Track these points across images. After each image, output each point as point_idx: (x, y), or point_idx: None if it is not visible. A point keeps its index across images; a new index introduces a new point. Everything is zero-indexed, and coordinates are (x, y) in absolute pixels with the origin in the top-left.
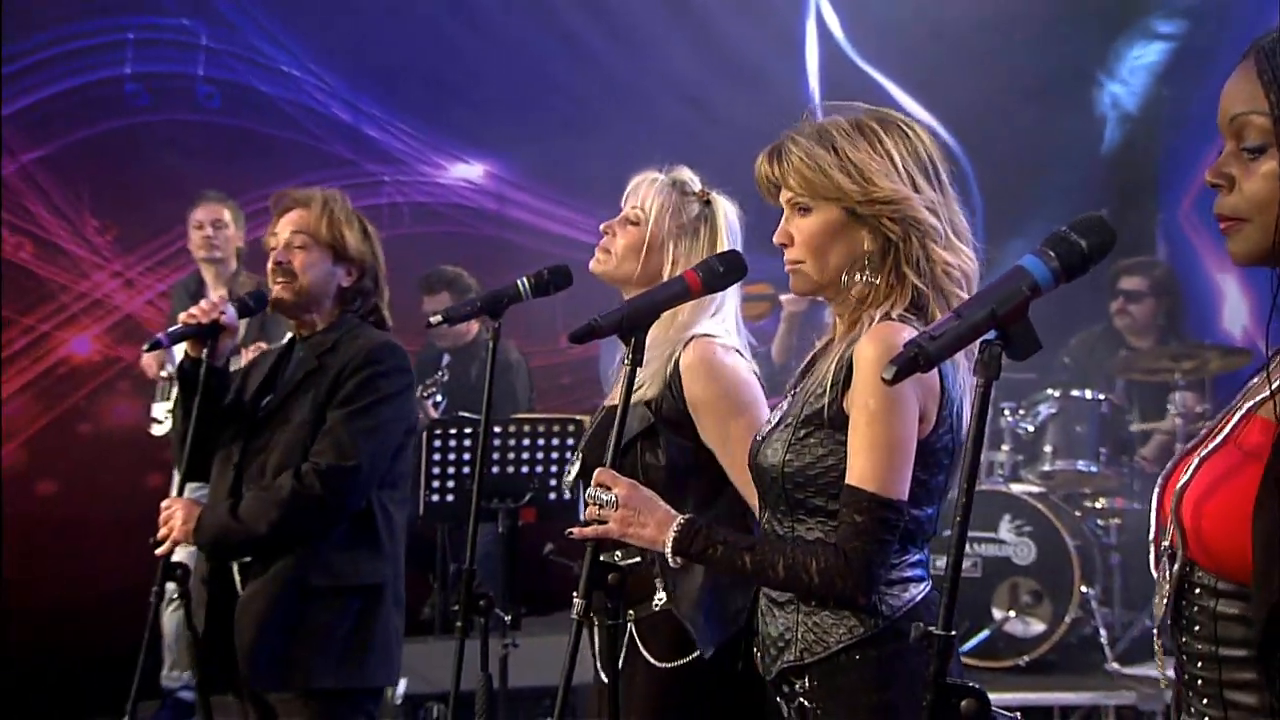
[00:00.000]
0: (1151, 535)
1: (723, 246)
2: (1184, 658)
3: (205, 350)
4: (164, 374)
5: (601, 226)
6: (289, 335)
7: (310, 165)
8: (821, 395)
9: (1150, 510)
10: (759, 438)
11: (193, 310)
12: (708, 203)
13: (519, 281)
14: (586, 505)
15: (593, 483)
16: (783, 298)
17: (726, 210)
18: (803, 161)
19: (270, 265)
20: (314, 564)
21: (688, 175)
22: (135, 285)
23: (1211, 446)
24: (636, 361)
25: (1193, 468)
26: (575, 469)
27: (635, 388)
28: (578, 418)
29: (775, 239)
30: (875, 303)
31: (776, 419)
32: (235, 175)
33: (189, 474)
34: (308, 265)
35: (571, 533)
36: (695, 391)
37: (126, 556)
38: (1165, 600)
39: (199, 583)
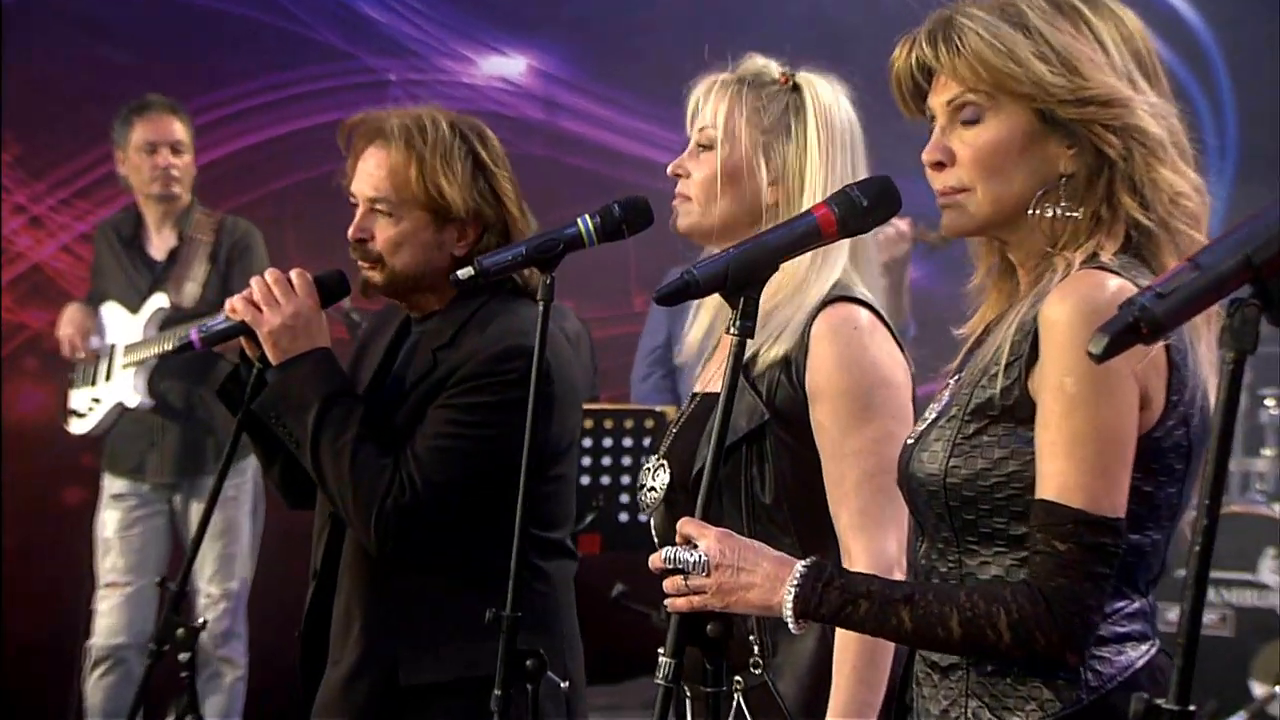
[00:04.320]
0: None
1: (822, 140)
2: None
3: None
4: (87, 349)
5: (670, 168)
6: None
7: (289, 58)
8: (995, 376)
9: None
10: (910, 440)
11: (234, 302)
12: (795, 88)
13: (579, 221)
14: (665, 569)
15: (677, 533)
16: (879, 236)
17: (819, 92)
18: (984, 42)
19: (351, 235)
20: (406, 649)
21: (758, 63)
22: (45, 225)
23: None
24: (746, 330)
25: None
26: (657, 481)
27: (748, 358)
28: (659, 409)
29: (926, 156)
30: (1074, 243)
31: (933, 414)
32: (184, 72)
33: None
34: (397, 241)
35: (662, 614)
36: (820, 377)
37: (34, 600)
38: None
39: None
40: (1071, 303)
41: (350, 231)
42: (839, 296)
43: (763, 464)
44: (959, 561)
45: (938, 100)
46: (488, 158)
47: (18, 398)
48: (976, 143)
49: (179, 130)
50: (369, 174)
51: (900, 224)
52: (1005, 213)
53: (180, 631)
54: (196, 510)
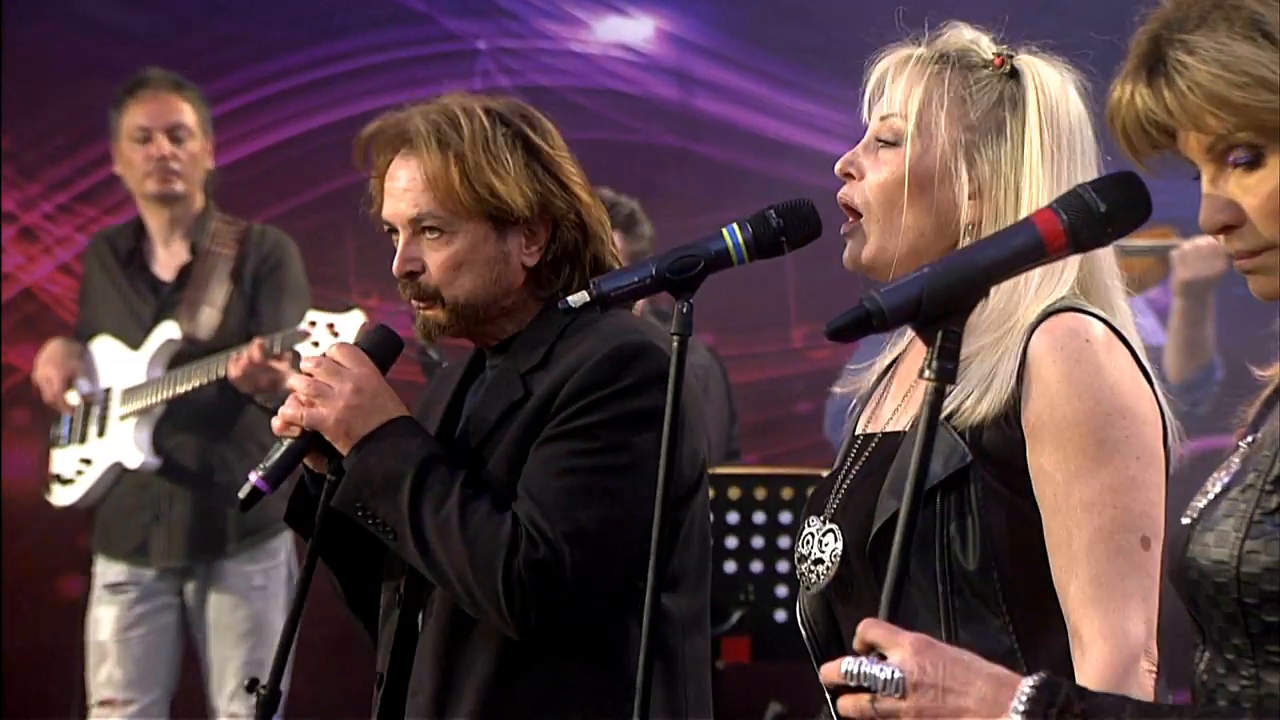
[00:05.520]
0: None
1: (1046, 144)
2: None
3: (335, 465)
4: (76, 396)
5: (839, 164)
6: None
7: (344, 24)
8: None
9: None
10: (1189, 519)
11: (284, 413)
12: (1012, 73)
13: (725, 232)
14: (844, 686)
15: (857, 638)
16: (1178, 250)
17: (1045, 81)
18: (1215, 76)
19: (396, 270)
20: None
21: (965, 37)
22: (38, 237)
23: None
24: (945, 374)
25: None
26: (826, 550)
27: (945, 414)
28: (824, 474)
29: (1205, 221)
30: None
31: (1220, 484)
32: (212, 44)
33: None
34: (455, 263)
35: None
36: (1041, 405)
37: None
38: None
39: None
40: None
41: (395, 266)
42: (1064, 307)
43: (964, 519)
44: (1255, 679)
45: (1191, 148)
46: (540, 140)
47: (6, 459)
48: (1264, 190)
49: (183, 112)
50: (402, 191)
51: (1209, 237)
52: None
53: None
54: (216, 604)
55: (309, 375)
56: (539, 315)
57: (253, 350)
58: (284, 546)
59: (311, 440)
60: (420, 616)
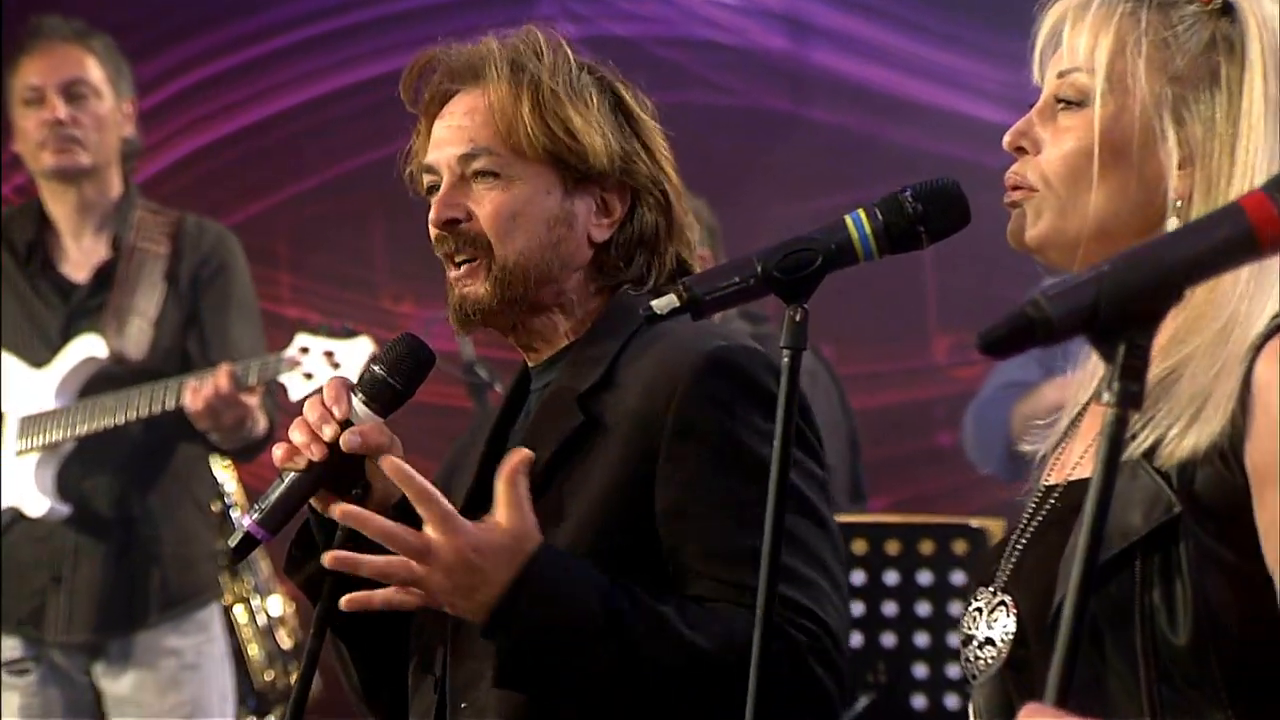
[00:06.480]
0: None
1: (1272, 95)
2: None
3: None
4: None
5: (1007, 138)
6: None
7: None
8: None
9: None
10: None
11: (296, 435)
12: (1224, 9)
13: (849, 220)
14: None
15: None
16: None
17: (1267, 15)
18: None
19: (433, 232)
20: None
21: None
22: None
23: None
24: (1130, 398)
25: None
26: (996, 629)
27: (1133, 447)
28: (974, 524)
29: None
30: None
31: None
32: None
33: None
34: (511, 212)
35: None
36: (1273, 443)
37: None
38: None
39: None
40: None
41: (434, 214)
42: None
43: (1172, 585)
44: None
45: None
46: (631, 99)
47: None
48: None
49: (83, 65)
50: (457, 126)
51: None
52: None
53: None
54: (138, 687)
55: (316, 402)
56: (601, 317)
57: (220, 379)
58: (215, 618)
59: (322, 475)
60: (463, 706)
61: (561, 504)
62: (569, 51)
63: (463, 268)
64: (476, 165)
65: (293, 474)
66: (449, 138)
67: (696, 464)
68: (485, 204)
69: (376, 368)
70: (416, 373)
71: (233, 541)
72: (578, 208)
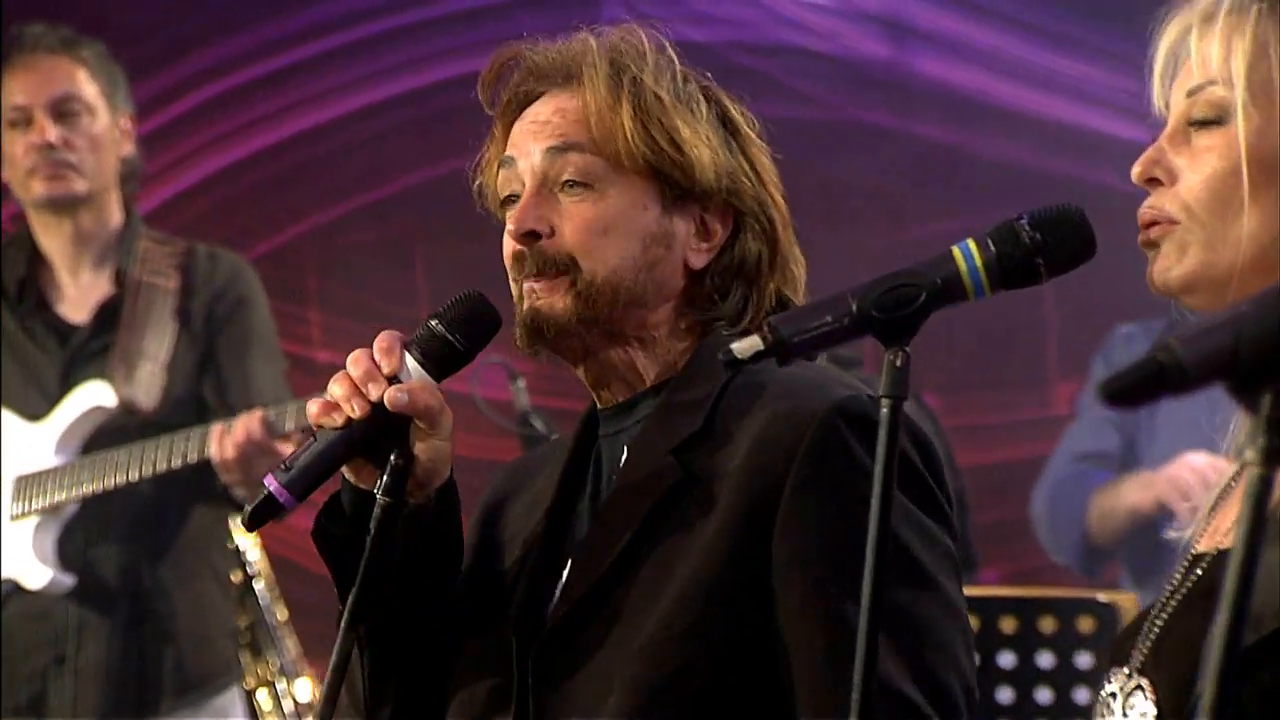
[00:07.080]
0: None
1: None
2: None
3: (389, 477)
4: None
5: (1136, 171)
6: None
7: None
8: None
9: None
10: None
11: (335, 389)
12: None
13: (958, 251)
14: None
15: None
16: None
17: None
18: None
19: (509, 248)
20: None
21: None
22: None
23: None
24: (1277, 455)
25: None
26: (1132, 714)
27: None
28: (1102, 598)
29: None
30: None
31: None
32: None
33: None
34: (603, 226)
35: None
36: None
37: None
38: None
39: None
40: None
41: (513, 226)
42: None
43: None
44: None
45: None
46: (737, 114)
47: None
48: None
49: (73, 79)
50: (545, 121)
51: None
52: None
53: None
54: None
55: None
56: (693, 358)
57: (251, 424)
58: (234, 704)
59: (361, 437)
60: None
61: (661, 567)
62: (674, 55)
63: (540, 281)
64: (567, 172)
65: (328, 434)
66: (535, 131)
67: (818, 530)
68: (573, 217)
69: (435, 323)
70: (480, 333)
71: (252, 504)
72: (677, 227)
